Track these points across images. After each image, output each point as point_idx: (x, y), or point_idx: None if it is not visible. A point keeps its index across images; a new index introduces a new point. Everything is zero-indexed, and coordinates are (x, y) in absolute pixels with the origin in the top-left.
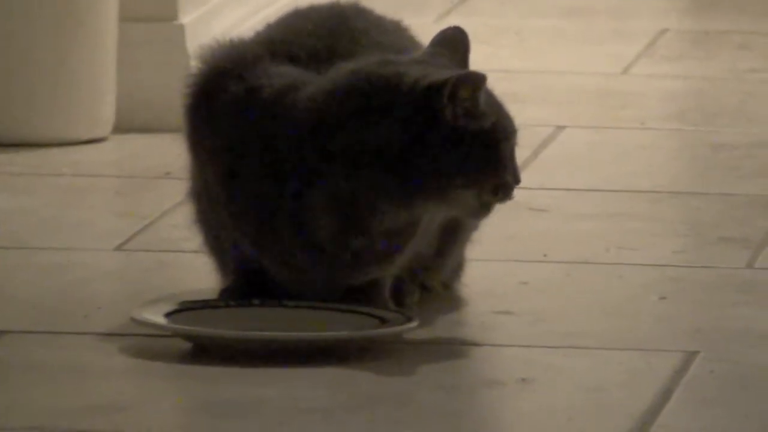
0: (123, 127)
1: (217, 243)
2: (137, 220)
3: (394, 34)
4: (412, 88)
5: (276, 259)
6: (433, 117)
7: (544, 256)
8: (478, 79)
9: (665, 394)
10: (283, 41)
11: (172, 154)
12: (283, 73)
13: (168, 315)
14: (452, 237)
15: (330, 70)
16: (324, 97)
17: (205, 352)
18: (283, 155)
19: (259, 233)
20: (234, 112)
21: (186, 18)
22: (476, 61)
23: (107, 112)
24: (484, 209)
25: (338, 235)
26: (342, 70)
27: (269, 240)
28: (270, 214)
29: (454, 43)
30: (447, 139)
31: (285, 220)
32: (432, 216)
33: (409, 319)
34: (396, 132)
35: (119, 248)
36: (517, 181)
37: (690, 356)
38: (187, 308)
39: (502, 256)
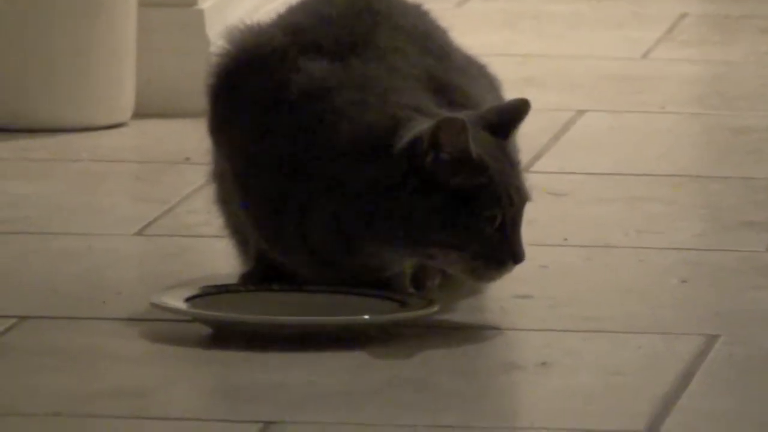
0: (142, 112)
1: (237, 226)
2: (157, 205)
3: (415, 18)
4: (410, 133)
5: (285, 255)
6: (418, 164)
7: (565, 240)
8: (456, 123)
9: (685, 378)
10: (307, 28)
11: (191, 139)
12: (311, 71)
13: (188, 300)
14: None
15: (359, 80)
16: (345, 121)
17: (225, 336)
18: (296, 164)
19: (268, 230)
20: (258, 107)
21: (205, 3)
22: (496, 45)
23: (127, 98)
24: (479, 274)
25: (336, 251)
26: (372, 98)
27: (278, 239)
28: (278, 216)
29: (504, 111)
30: (422, 189)
31: (291, 225)
32: None
33: (430, 303)
34: (387, 171)
35: (139, 233)
36: (516, 257)
37: (710, 340)
38: (207, 293)
39: (523, 240)
